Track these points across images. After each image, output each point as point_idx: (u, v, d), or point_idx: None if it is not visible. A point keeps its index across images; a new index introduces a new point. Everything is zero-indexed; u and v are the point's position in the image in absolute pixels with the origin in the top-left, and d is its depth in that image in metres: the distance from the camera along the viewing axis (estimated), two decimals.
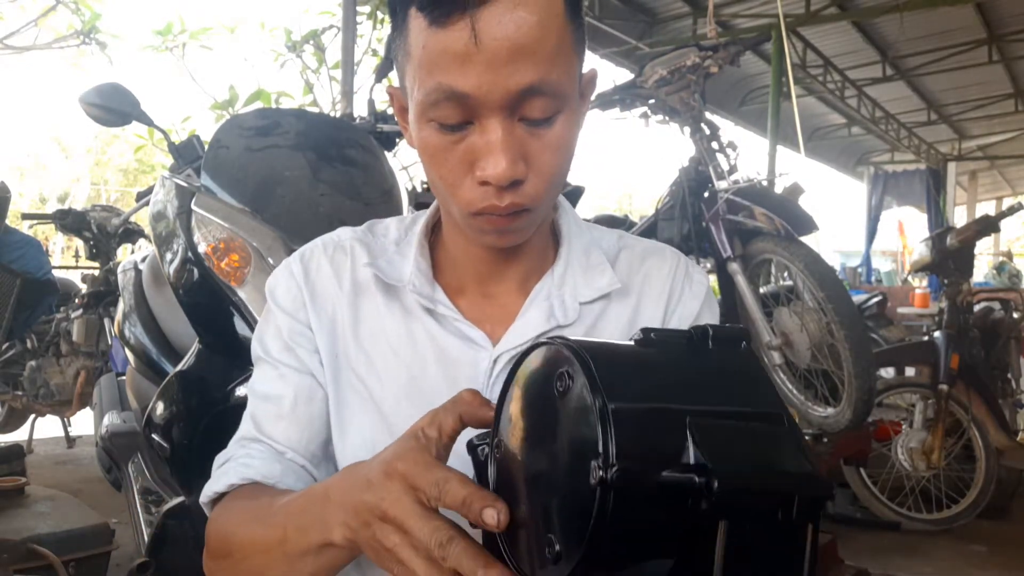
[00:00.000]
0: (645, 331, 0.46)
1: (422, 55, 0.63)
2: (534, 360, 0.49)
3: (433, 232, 0.81)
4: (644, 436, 0.40)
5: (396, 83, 0.73)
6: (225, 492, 0.75)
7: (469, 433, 0.56)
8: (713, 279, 2.73)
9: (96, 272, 4.27)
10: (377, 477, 0.53)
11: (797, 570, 0.41)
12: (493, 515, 0.47)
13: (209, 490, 0.76)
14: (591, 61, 0.75)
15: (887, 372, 4.10)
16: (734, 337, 0.46)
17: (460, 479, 0.50)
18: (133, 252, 4.69)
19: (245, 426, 0.79)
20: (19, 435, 4.49)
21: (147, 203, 2.04)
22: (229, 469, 0.75)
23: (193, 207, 1.68)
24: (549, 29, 0.62)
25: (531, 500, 0.46)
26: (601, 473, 0.39)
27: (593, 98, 0.77)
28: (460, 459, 0.56)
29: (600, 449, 0.39)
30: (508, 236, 0.70)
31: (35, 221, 5.00)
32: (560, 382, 0.45)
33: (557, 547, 0.42)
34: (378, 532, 0.52)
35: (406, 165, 3.08)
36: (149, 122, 2.11)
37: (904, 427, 3.61)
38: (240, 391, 1.61)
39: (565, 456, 0.43)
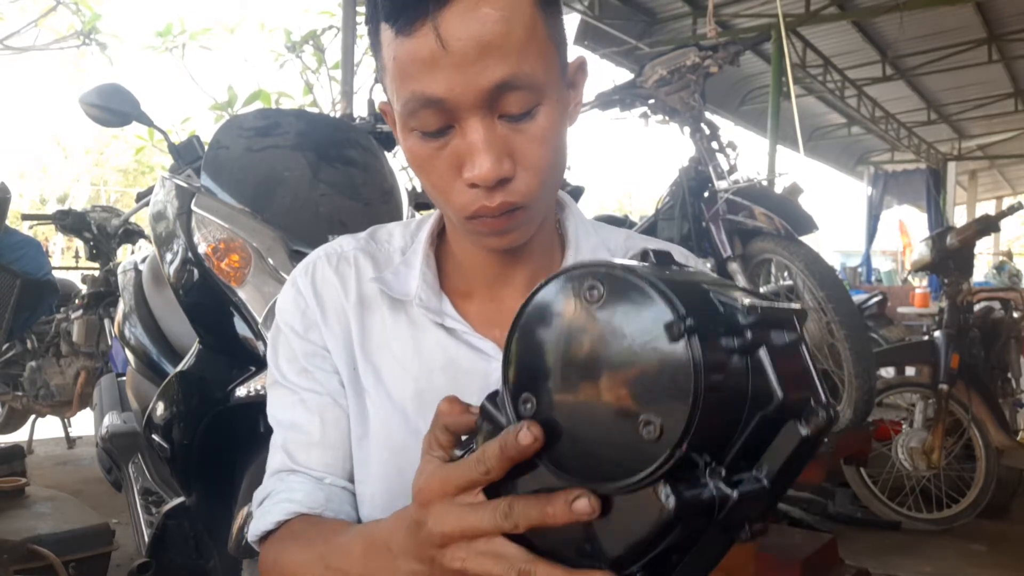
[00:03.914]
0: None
1: (394, 67, 0.63)
2: (547, 296, 0.48)
3: (439, 237, 0.80)
4: (691, 293, 0.44)
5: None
6: (273, 529, 0.74)
7: None
8: None
9: (96, 273, 4.26)
10: (417, 512, 0.52)
11: (811, 383, 0.48)
12: (526, 433, 0.45)
13: (257, 529, 0.75)
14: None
15: (887, 372, 4.09)
16: (667, 252, 0.52)
17: (489, 443, 0.48)
18: (133, 252, 4.69)
19: (277, 458, 0.78)
20: (19, 436, 4.49)
21: (147, 203, 2.04)
22: (272, 506, 0.74)
23: (193, 207, 1.68)
24: (516, 22, 0.61)
25: (598, 418, 0.45)
26: (683, 324, 0.41)
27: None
28: None
29: (671, 309, 0.42)
30: (507, 236, 0.69)
31: (35, 222, 4.99)
32: (591, 291, 0.45)
33: (659, 421, 0.42)
34: (445, 560, 0.51)
35: (406, 165, 3.08)
36: (149, 122, 2.11)
37: (904, 427, 3.61)
38: (240, 391, 1.61)
39: (630, 349, 0.43)
